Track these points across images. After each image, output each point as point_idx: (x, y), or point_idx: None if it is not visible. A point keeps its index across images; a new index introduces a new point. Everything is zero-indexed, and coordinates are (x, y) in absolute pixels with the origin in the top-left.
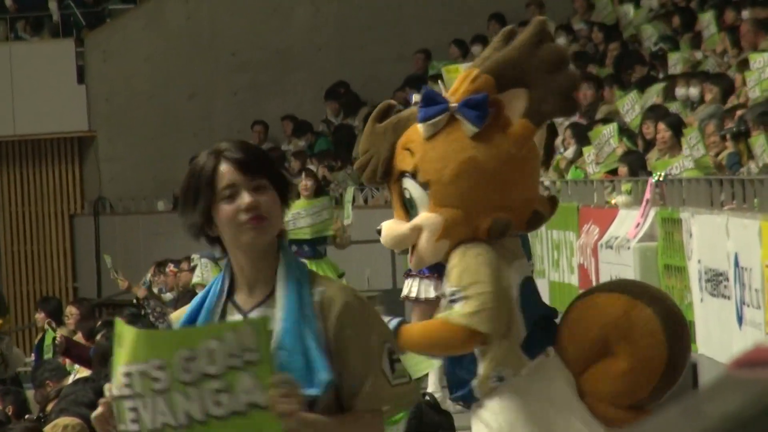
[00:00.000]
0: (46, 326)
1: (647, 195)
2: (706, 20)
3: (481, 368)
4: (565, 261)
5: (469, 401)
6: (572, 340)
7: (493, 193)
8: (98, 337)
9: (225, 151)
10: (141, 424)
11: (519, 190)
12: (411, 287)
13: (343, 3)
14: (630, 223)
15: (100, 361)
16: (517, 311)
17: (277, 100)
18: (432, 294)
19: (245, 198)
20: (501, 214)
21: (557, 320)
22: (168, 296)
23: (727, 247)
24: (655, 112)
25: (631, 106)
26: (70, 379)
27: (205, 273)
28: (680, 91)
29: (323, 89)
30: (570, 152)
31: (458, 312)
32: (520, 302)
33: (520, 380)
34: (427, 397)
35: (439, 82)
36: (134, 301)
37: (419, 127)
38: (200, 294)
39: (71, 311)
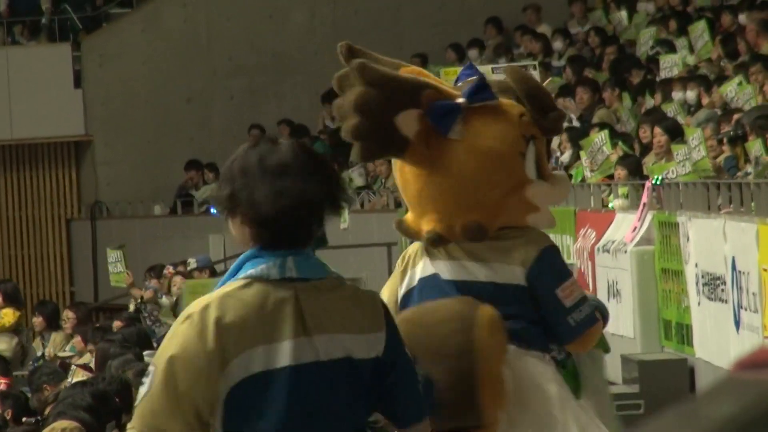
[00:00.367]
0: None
1: (644, 199)
2: (699, 29)
3: None
4: None
5: None
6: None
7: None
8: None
9: None
10: None
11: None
12: None
13: (339, 7)
14: (627, 226)
15: (101, 365)
16: None
17: (274, 104)
18: None
19: None
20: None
21: None
22: (165, 300)
23: (724, 251)
24: (651, 117)
25: (627, 119)
26: (68, 383)
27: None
28: (677, 95)
29: (320, 93)
30: (566, 156)
31: None
32: None
33: None
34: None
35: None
36: (131, 305)
37: None
38: None
39: (68, 315)
